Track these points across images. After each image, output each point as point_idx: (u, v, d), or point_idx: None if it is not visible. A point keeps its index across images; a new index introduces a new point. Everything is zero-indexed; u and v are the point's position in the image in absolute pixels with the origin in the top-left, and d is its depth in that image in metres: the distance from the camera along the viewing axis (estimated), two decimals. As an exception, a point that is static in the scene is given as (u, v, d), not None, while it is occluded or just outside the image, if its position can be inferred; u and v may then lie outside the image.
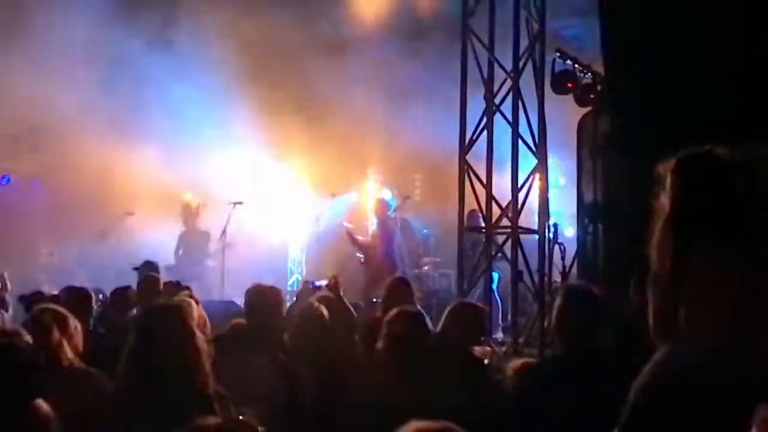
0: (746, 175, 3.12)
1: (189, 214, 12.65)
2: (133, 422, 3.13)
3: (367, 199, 14.01)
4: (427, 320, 4.50)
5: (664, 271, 2.91)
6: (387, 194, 13.63)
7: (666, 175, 3.07)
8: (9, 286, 7.96)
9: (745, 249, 2.88)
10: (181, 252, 12.55)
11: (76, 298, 6.02)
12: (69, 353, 3.81)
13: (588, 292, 4.08)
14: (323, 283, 8.18)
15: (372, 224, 13.67)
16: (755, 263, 2.85)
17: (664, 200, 3.05)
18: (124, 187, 12.53)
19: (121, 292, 6.65)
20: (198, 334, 3.46)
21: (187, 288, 6.88)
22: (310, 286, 9.18)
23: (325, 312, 5.00)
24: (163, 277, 7.88)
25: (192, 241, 12.65)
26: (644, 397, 2.88)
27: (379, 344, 3.88)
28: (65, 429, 2.99)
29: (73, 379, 3.66)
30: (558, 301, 4.01)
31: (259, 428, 1.82)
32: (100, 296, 6.94)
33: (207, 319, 5.57)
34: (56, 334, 3.77)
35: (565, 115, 9.16)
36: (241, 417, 2.24)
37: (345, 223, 12.73)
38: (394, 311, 4.06)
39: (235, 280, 12.13)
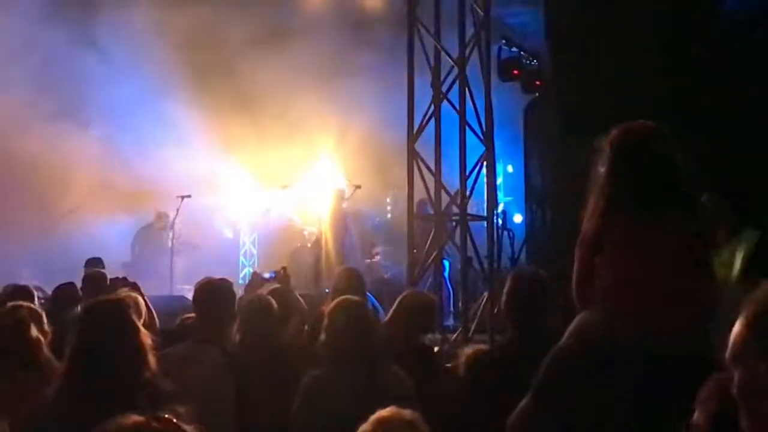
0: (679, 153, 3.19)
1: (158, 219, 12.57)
2: (72, 420, 3.06)
3: (317, 189, 13.96)
4: (380, 310, 4.50)
5: (588, 238, 2.96)
6: (338, 184, 13.63)
7: (604, 146, 3.16)
8: None
9: (664, 222, 2.97)
10: (137, 248, 12.43)
11: (17, 296, 5.88)
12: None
13: (535, 275, 4.13)
14: (272, 274, 8.15)
15: (322, 215, 13.64)
16: (671, 237, 2.94)
17: (601, 171, 3.13)
18: (67, 184, 12.29)
19: (64, 289, 6.50)
20: (141, 328, 3.40)
21: (134, 284, 6.77)
22: (259, 278, 9.12)
23: (273, 303, 4.96)
24: (120, 274, 7.78)
25: (149, 238, 12.55)
26: (553, 362, 2.98)
27: (322, 336, 3.85)
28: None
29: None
30: (506, 286, 4.04)
31: (188, 428, 1.76)
32: (40, 294, 6.78)
33: (155, 315, 5.49)
34: (34, 331, 3.70)
35: (511, 101, 9.24)
36: (167, 415, 2.19)
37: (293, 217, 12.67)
38: (334, 302, 4.05)
39: (186, 274, 12.02)
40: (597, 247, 3.01)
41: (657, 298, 2.88)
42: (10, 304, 4.12)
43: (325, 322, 3.87)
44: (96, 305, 3.47)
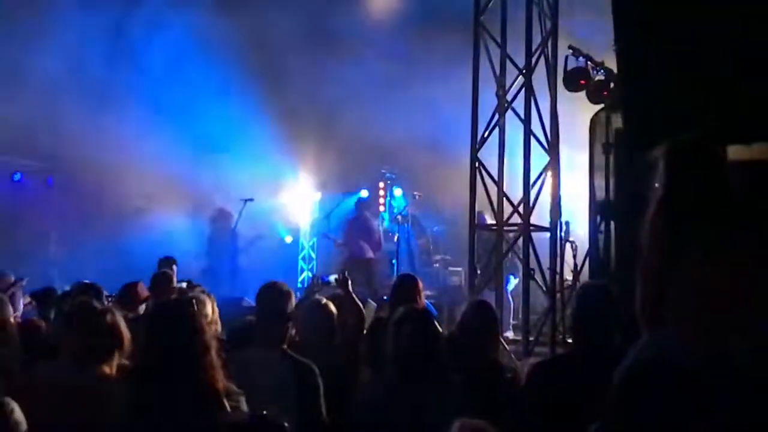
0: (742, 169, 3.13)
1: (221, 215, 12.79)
2: (142, 417, 3.12)
3: (377, 196, 14.02)
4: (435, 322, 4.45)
5: (653, 260, 2.91)
6: (398, 192, 13.66)
7: (659, 161, 3.08)
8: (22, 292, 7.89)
9: (734, 243, 2.87)
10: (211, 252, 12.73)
11: (87, 293, 6.02)
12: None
13: (603, 290, 4.06)
14: (333, 278, 8.16)
15: (382, 221, 13.68)
16: (744, 258, 2.83)
17: (658, 187, 3.06)
18: (136, 183, 12.58)
19: (130, 287, 6.63)
20: (207, 329, 3.45)
21: (198, 285, 6.89)
22: (319, 281, 9.17)
23: (332, 307, 4.98)
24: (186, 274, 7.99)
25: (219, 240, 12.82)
26: (623, 382, 2.91)
27: (388, 344, 3.83)
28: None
29: None
30: (574, 300, 3.99)
31: (285, 424, 1.80)
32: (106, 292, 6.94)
33: (218, 317, 5.58)
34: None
35: (577, 112, 9.11)
36: (265, 413, 2.22)
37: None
38: (401, 309, 4.02)
39: (246, 276, 12.18)
40: (665, 267, 2.93)
41: (727, 320, 2.80)
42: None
43: (391, 328, 3.85)
44: (164, 305, 3.54)
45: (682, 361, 2.74)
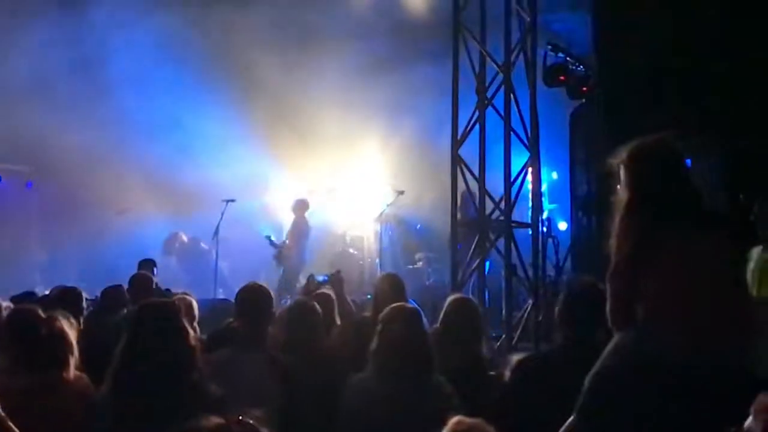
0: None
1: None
2: (124, 420, 3.10)
3: (361, 193, 14.00)
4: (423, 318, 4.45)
5: (622, 262, 2.94)
6: (381, 189, 13.64)
7: (619, 167, 3.13)
8: None
9: (698, 240, 2.90)
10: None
11: (67, 298, 5.97)
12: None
13: (591, 286, 4.06)
14: (325, 278, 8.16)
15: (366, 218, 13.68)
16: (707, 254, 2.89)
17: (621, 191, 3.10)
18: (116, 187, 12.50)
19: (110, 291, 6.58)
20: (190, 331, 3.43)
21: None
22: (315, 281, 9.16)
23: (316, 307, 4.96)
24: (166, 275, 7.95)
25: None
26: (594, 382, 2.94)
27: (374, 343, 3.82)
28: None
29: None
30: (561, 295, 4.00)
31: (263, 430, 1.78)
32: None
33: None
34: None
35: (557, 107, 9.15)
36: (241, 417, 2.21)
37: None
38: (389, 309, 4.00)
39: (229, 277, 12.15)
40: (635, 266, 2.96)
41: (700, 316, 2.84)
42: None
43: (379, 327, 3.84)
44: (148, 306, 3.51)
45: (650, 361, 2.77)
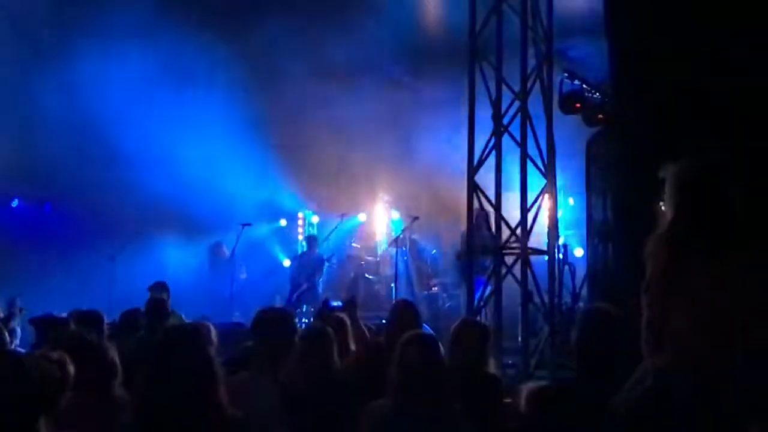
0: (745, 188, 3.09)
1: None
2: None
3: (375, 218, 14.05)
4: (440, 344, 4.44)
5: (656, 285, 2.87)
6: (395, 215, 13.68)
7: (667, 182, 3.05)
8: (19, 312, 7.88)
9: (737, 270, 2.83)
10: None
11: (86, 320, 6.01)
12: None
13: (607, 315, 4.02)
14: (339, 303, 8.17)
15: (381, 244, 13.70)
16: (746, 285, 2.81)
17: (666, 210, 3.03)
18: (134, 209, 12.60)
19: (130, 315, 6.63)
20: (213, 356, 3.43)
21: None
22: (328, 307, 9.16)
23: (330, 332, 4.97)
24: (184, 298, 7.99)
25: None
26: (626, 411, 2.87)
27: (391, 370, 3.81)
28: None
29: None
30: (577, 325, 3.96)
31: None
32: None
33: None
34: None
35: (573, 134, 9.16)
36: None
37: (353, 244, 12.76)
38: (407, 335, 4.00)
39: (244, 300, 12.17)
40: (668, 290, 2.90)
41: (732, 344, 2.77)
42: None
43: (396, 354, 3.84)
44: (175, 331, 3.55)
45: (682, 392, 2.71)
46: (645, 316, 2.93)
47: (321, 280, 12.35)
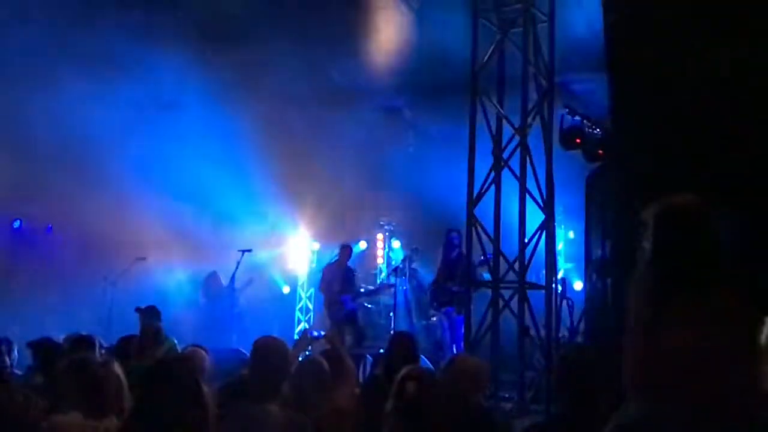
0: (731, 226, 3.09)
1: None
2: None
3: (375, 248, 14.07)
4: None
5: (637, 325, 2.87)
6: (396, 244, 13.71)
7: (648, 223, 3.05)
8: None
9: (717, 310, 2.84)
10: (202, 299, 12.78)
11: (80, 345, 6.03)
12: None
13: (585, 353, 4.12)
14: (321, 333, 8.20)
15: (380, 272, 13.72)
16: (726, 325, 2.80)
17: (645, 250, 3.04)
18: (135, 233, 12.63)
19: (126, 341, 6.64)
20: (204, 388, 3.45)
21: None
22: (309, 336, 9.18)
23: (324, 365, 4.99)
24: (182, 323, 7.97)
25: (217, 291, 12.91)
26: None
27: (389, 404, 3.83)
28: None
29: None
30: (556, 365, 4.07)
31: None
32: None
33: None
34: None
35: (573, 170, 9.20)
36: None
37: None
38: (405, 370, 4.03)
39: (243, 327, 12.17)
40: (649, 330, 2.92)
41: (716, 387, 2.78)
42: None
43: (394, 388, 3.86)
44: (163, 363, 3.57)
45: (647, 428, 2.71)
46: (627, 355, 2.94)
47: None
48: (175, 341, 7.59)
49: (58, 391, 4.03)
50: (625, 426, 2.87)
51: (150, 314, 8.12)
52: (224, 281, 12.69)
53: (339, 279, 11.64)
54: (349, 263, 11.97)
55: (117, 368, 3.95)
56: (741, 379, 2.81)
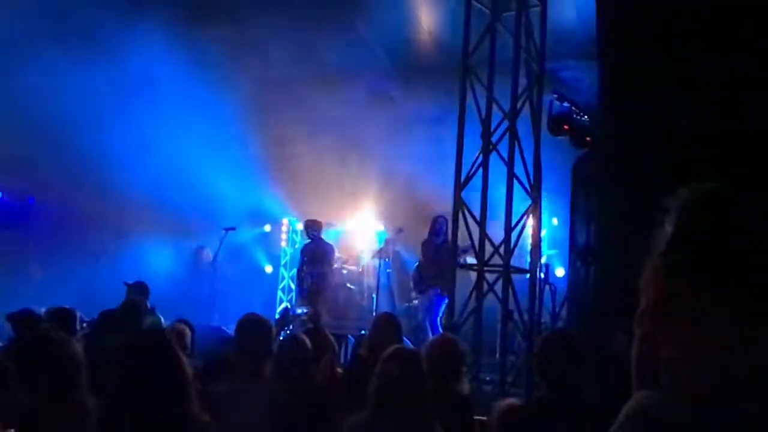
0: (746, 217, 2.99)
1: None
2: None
3: (359, 229, 14.06)
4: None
5: (647, 312, 2.80)
6: (379, 226, 13.71)
7: (672, 209, 2.91)
8: None
9: (737, 303, 2.77)
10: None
11: (59, 318, 5.99)
12: None
13: (566, 337, 4.16)
14: (303, 311, 8.21)
15: (364, 254, 13.71)
16: (741, 319, 2.70)
17: (665, 234, 2.94)
18: (117, 207, 12.54)
19: (108, 314, 6.59)
20: (184, 361, 3.42)
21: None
22: (290, 314, 9.17)
23: (307, 342, 5.00)
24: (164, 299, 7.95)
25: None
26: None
27: (372, 383, 3.83)
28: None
29: None
30: (537, 347, 4.12)
31: None
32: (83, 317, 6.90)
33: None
34: None
35: (558, 156, 9.22)
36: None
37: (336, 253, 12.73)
38: (390, 350, 4.03)
39: (225, 305, 12.15)
40: (662, 319, 2.83)
41: (732, 380, 2.69)
42: None
43: (378, 368, 3.86)
44: (140, 337, 3.52)
45: (674, 419, 2.64)
46: (636, 349, 2.86)
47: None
48: (161, 318, 7.55)
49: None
50: (638, 411, 2.79)
51: (138, 290, 8.07)
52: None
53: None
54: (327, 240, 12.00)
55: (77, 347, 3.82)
56: (756, 366, 2.71)
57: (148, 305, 7.87)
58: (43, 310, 7.03)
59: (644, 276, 2.86)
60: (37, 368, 3.56)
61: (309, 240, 11.85)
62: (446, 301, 8.63)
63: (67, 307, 6.55)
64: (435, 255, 10.10)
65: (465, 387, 4.91)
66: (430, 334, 9.20)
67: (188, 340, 5.47)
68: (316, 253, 11.65)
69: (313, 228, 11.78)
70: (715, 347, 2.68)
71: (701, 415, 2.63)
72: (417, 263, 10.75)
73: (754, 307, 2.72)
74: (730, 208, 2.89)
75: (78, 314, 6.50)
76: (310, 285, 11.37)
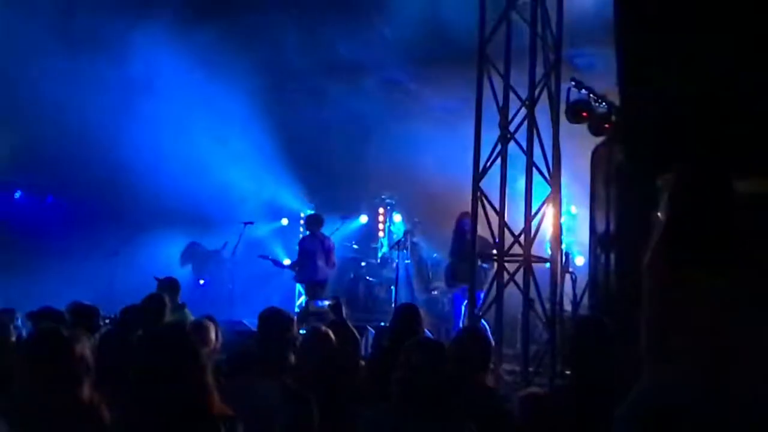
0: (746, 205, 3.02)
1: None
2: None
3: (377, 222, 14.06)
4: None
5: (653, 294, 2.84)
6: (397, 218, 13.69)
7: (665, 189, 2.96)
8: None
9: (737, 282, 2.79)
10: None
11: (81, 314, 6.02)
12: None
13: (599, 325, 4.11)
14: (326, 303, 8.19)
15: (381, 246, 13.71)
16: (742, 296, 2.76)
17: (661, 216, 2.97)
18: (137, 203, 12.60)
19: (129, 311, 6.61)
20: (202, 355, 3.39)
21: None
22: (313, 306, 9.15)
23: (331, 336, 5.00)
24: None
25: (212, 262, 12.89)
26: (622, 419, 2.83)
27: (396, 374, 3.81)
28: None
29: None
30: (570, 332, 4.06)
31: None
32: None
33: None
34: None
35: (579, 144, 9.15)
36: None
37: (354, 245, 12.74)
38: (412, 340, 4.02)
39: (244, 299, 12.19)
40: (666, 299, 2.87)
41: (734, 356, 2.74)
42: None
43: (401, 359, 3.85)
44: (157, 331, 3.52)
45: (678, 400, 2.68)
46: (643, 331, 2.89)
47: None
48: (190, 315, 7.51)
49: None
50: (643, 391, 2.84)
51: (167, 286, 8.00)
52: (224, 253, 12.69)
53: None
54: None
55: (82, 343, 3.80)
56: (754, 344, 2.76)
57: (179, 301, 7.88)
58: (63, 306, 7.05)
59: (646, 261, 2.90)
60: (41, 364, 3.56)
61: (309, 234, 11.77)
62: (481, 294, 8.51)
63: (87, 303, 6.58)
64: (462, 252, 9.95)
65: (490, 379, 4.92)
66: (460, 325, 9.21)
67: (212, 335, 5.48)
68: (317, 247, 11.60)
69: (317, 223, 11.72)
70: (718, 326, 2.73)
71: (703, 394, 2.67)
72: (450, 253, 10.58)
73: (753, 287, 2.78)
74: (722, 188, 2.92)
75: (98, 310, 6.53)
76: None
